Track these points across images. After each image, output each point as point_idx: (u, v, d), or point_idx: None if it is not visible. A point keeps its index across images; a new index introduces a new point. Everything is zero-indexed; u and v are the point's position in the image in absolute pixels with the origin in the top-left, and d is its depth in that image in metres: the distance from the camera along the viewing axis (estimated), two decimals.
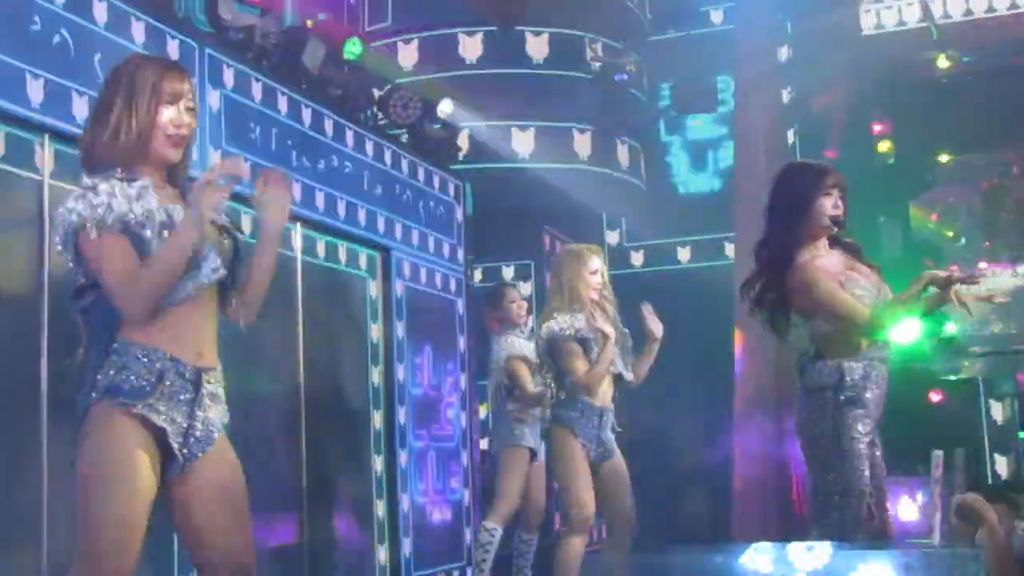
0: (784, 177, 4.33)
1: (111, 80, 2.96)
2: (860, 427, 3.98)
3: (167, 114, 2.92)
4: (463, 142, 8.30)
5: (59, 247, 2.88)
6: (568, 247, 5.86)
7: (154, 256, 2.80)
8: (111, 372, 2.79)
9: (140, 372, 2.80)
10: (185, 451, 2.87)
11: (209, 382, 2.94)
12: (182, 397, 2.86)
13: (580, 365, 5.36)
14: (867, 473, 3.98)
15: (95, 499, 2.76)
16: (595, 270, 5.52)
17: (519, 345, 6.48)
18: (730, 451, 8.38)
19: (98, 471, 2.77)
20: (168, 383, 2.83)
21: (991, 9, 8.87)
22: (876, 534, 4.01)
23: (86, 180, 2.88)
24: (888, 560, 3.72)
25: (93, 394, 2.79)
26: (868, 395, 4.00)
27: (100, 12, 4.57)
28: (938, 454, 6.08)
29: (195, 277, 2.86)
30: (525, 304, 6.78)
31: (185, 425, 2.86)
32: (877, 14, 9.11)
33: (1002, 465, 8.22)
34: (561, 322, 5.39)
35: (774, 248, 4.21)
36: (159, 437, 2.83)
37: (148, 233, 2.82)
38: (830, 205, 4.15)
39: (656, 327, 5.54)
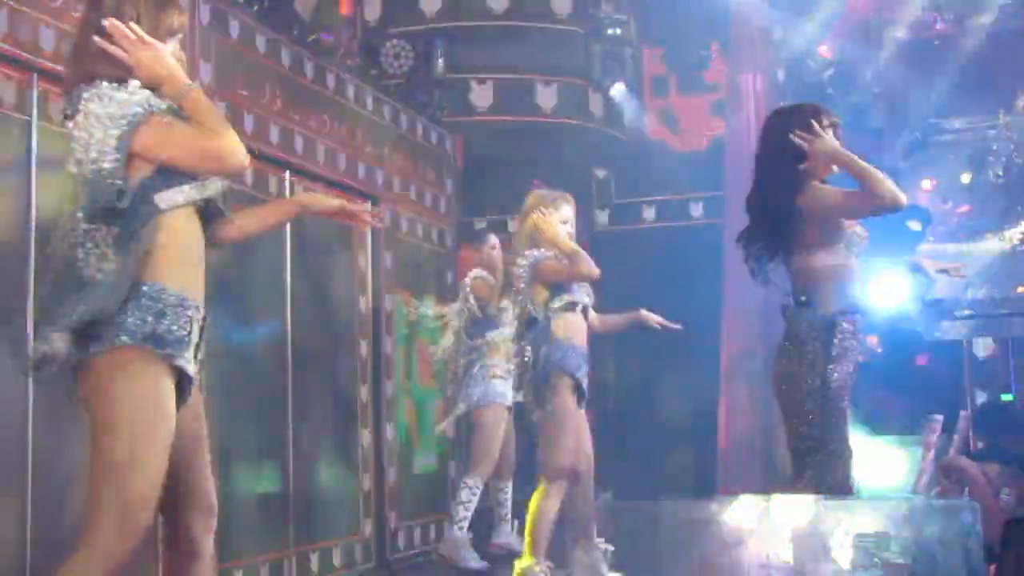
0: (776, 121, 4.20)
1: (107, 3, 2.86)
2: (845, 382, 3.94)
3: (168, 48, 2.88)
4: (457, 94, 8.19)
5: (104, 152, 2.74)
6: (539, 191, 5.73)
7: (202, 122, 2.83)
8: (148, 318, 2.73)
9: (180, 322, 2.78)
10: (195, 394, 2.90)
11: (204, 328, 2.93)
12: (195, 342, 2.87)
13: (565, 265, 5.22)
14: (847, 429, 3.96)
15: (131, 448, 2.70)
16: (565, 219, 5.42)
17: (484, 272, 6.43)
18: (716, 407, 8.41)
19: (142, 415, 2.72)
20: (194, 332, 2.84)
21: None
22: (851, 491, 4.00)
23: (96, 88, 2.78)
24: (877, 511, 3.71)
25: (123, 336, 2.71)
26: (857, 352, 3.98)
27: None
28: (937, 418, 6.12)
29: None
30: (500, 254, 6.67)
31: (196, 371, 2.88)
32: None
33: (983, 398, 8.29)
34: (534, 252, 5.30)
35: (771, 196, 4.11)
36: (183, 385, 2.84)
37: None
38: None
39: (654, 322, 5.52)
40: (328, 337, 6.29)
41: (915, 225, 9.19)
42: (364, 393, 6.55)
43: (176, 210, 2.82)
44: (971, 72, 8.99)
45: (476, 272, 6.51)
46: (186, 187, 2.83)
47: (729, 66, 8.80)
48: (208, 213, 2.97)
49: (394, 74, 6.96)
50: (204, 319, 2.90)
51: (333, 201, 3.34)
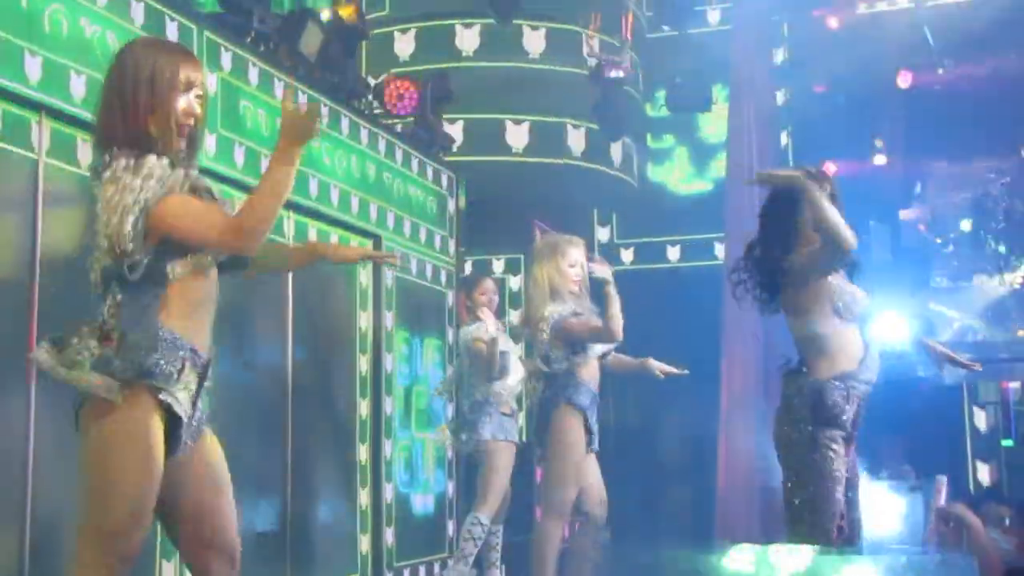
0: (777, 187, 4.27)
1: (127, 62, 2.90)
2: (835, 447, 3.97)
3: (180, 103, 2.90)
4: (459, 134, 8.29)
5: (113, 230, 2.79)
6: (546, 238, 5.81)
7: (255, 193, 2.87)
8: (141, 354, 2.79)
9: (169, 358, 2.82)
10: (187, 440, 2.91)
11: (209, 376, 2.96)
12: (191, 388, 2.89)
13: (595, 321, 5.34)
14: (839, 491, 3.98)
15: (116, 474, 2.76)
16: (573, 263, 5.50)
17: (482, 329, 6.40)
18: (715, 450, 8.40)
19: (120, 447, 2.77)
20: (185, 373, 2.86)
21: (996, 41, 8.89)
22: (843, 544, 4.01)
23: (111, 159, 2.83)
24: (874, 565, 3.71)
25: (127, 373, 2.77)
26: (845, 416, 3.98)
27: None
28: (942, 479, 6.13)
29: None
30: (496, 299, 6.68)
31: (190, 414, 2.88)
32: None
33: (984, 473, 8.28)
34: (555, 309, 5.38)
35: (766, 252, 4.19)
36: (168, 423, 2.85)
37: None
38: (812, 214, 4.03)
39: (604, 271, 5.49)
40: (329, 397, 6.29)
41: None
42: (364, 409, 6.53)
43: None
44: (972, 117, 9.05)
45: (471, 330, 6.46)
46: (191, 256, 2.88)
47: (730, 106, 8.86)
48: (228, 262, 3.02)
49: (397, 114, 6.99)
50: (207, 366, 2.93)
51: (354, 251, 3.54)
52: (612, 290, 5.30)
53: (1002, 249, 9.90)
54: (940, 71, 8.83)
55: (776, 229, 4.17)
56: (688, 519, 8.96)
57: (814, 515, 3.96)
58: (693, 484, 8.91)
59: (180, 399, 2.84)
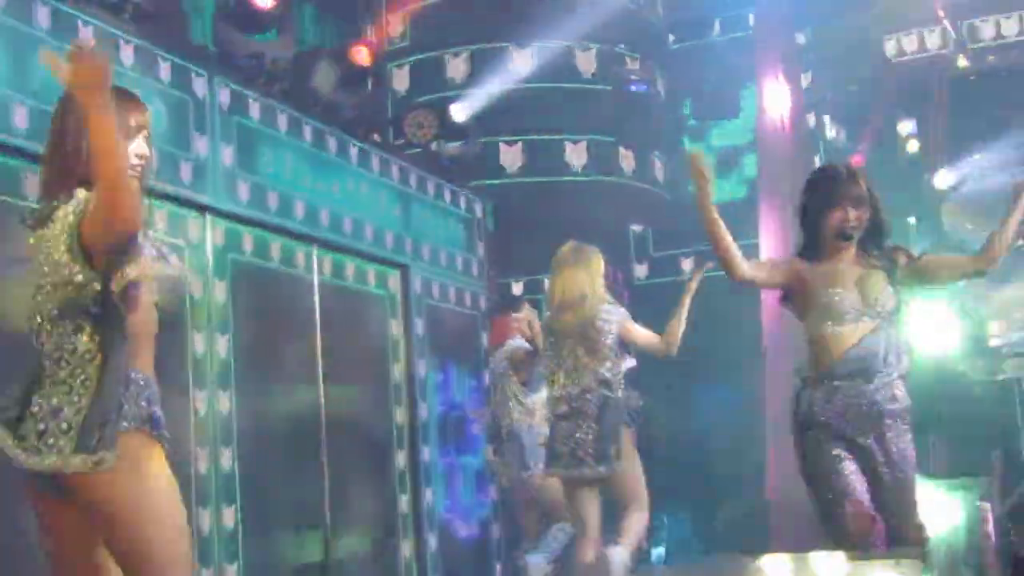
0: (806, 184, 4.32)
1: (70, 108, 2.86)
2: (820, 449, 3.96)
3: (131, 146, 2.93)
4: (486, 157, 8.28)
5: (66, 256, 2.76)
6: (579, 245, 5.76)
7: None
8: (142, 403, 2.81)
9: (159, 407, 2.87)
10: None
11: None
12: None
13: (653, 336, 5.40)
14: (841, 485, 3.94)
15: (161, 524, 2.80)
16: (599, 270, 5.55)
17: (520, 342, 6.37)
18: (764, 460, 8.33)
19: (158, 497, 2.81)
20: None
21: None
22: (875, 542, 3.94)
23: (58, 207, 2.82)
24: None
25: (124, 423, 2.76)
26: (824, 418, 3.98)
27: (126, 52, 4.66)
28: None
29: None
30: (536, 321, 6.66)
31: None
32: (898, 41, 9.07)
33: None
34: (614, 309, 5.40)
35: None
36: None
37: None
38: (838, 219, 4.09)
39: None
40: (363, 405, 6.34)
41: None
42: (401, 459, 6.56)
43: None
44: (1005, 108, 8.92)
45: (512, 343, 6.46)
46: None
47: (758, 108, 8.81)
48: None
49: (418, 143, 7.05)
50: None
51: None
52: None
53: None
54: (965, 62, 8.73)
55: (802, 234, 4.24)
56: (741, 530, 8.86)
57: (826, 516, 3.99)
58: (744, 494, 8.82)
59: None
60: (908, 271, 4.13)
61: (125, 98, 2.99)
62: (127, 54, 4.70)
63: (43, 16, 4.36)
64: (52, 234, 2.80)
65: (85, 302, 2.77)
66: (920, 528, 4.14)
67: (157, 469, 2.82)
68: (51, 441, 2.69)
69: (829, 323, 4.04)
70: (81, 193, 2.80)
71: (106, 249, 2.75)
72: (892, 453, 4.03)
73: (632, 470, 5.37)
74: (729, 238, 4.09)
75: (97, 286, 2.77)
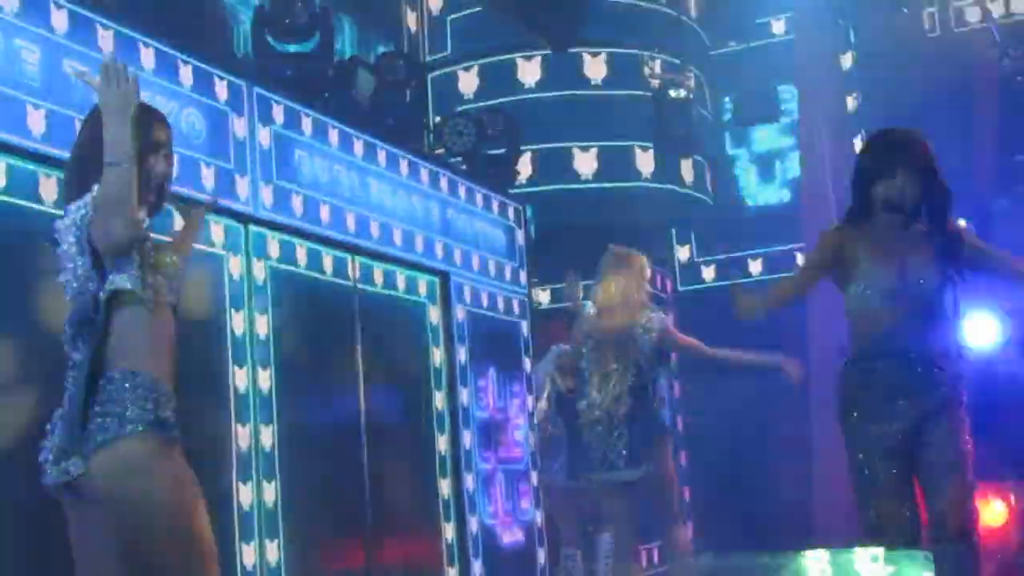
0: (864, 145, 4.23)
1: (99, 125, 2.98)
2: (859, 432, 3.85)
3: (151, 161, 3.04)
4: (526, 165, 8.35)
5: (75, 258, 2.91)
6: (619, 251, 5.76)
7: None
8: (148, 406, 2.86)
9: (170, 410, 2.94)
10: None
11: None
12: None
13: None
14: (876, 478, 3.81)
15: (171, 529, 2.86)
16: (645, 273, 5.57)
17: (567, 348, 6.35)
18: (809, 457, 8.30)
19: (167, 502, 2.86)
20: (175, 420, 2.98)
21: None
22: (913, 534, 3.84)
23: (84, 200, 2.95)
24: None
25: (130, 427, 2.83)
26: (866, 397, 3.84)
27: (148, 58, 4.73)
28: None
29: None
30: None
31: None
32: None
33: None
34: (655, 315, 5.48)
35: None
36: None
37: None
38: (888, 187, 3.86)
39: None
40: (405, 432, 6.37)
41: None
42: (445, 487, 6.59)
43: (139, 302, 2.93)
44: None
45: (557, 348, 6.48)
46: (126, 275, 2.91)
47: (800, 115, 8.78)
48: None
49: (459, 151, 7.09)
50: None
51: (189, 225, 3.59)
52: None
53: None
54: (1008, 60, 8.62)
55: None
56: (787, 526, 8.81)
57: (861, 504, 3.87)
58: (788, 490, 8.78)
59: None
60: (964, 255, 3.85)
61: (149, 115, 3.08)
62: (150, 59, 4.75)
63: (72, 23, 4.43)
64: (64, 225, 2.90)
65: (87, 309, 2.87)
66: (967, 516, 3.83)
67: (166, 472, 2.86)
68: (60, 453, 2.83)
69: (869, 297, 3.86)
70: (95, 189, 2.89)
71: (104, 248, 2.87)
72: (938, 436, 3.80)
73: (666, 476, 5.34)
74: (779, 293, 4.15)
75: (92, 285, 2.86)
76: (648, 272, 5.61)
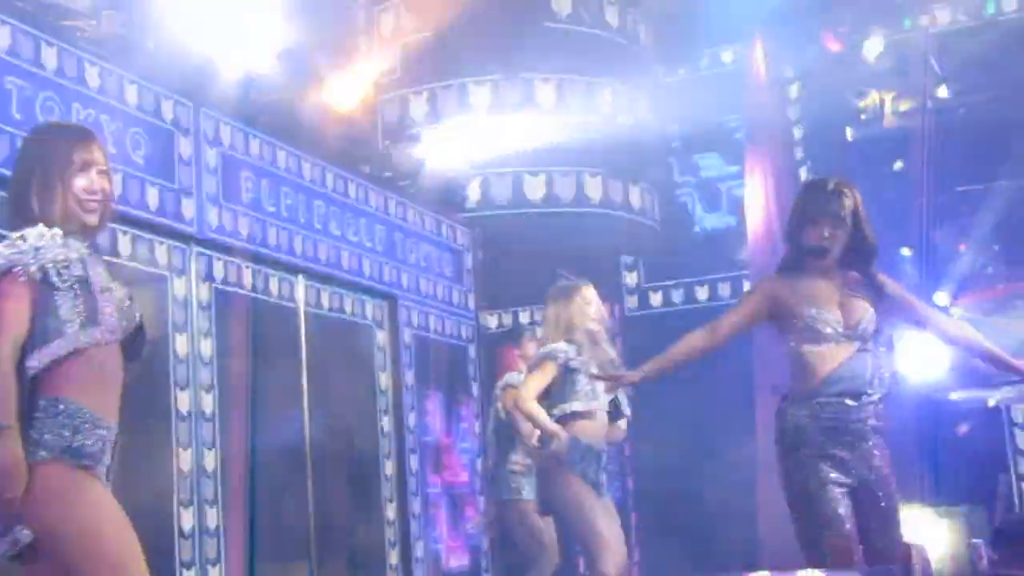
0: (795, 196, 4.31)
1: (24, 151, 3.08)
2: (808, 468, 3.91)
3: (80, 182, 3.02)
4: (474, 190, 8.36)
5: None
6: (560, 283, 5.79)
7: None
8: (65, 433, 2.86)
9: (93, 439, 2.91)
10: None
11: (116, 441, 3.03)
12: (107, 464, 2.97)
13: (532, 386, 5.16)
14: (828, 512, 3.89)
15: (86, 556, 2.81)
16: (589, 301, 5.45)
17: (516, 377, 6.33)
18: (755, 491, 8.31)
19: (82, 528, 2.83)
20: (107, 452, 2.95)
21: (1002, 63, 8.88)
22: (857, 566, 3.93)
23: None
24: None
25: (42, 452, 2.83)
26: (812, 436, 3.92)
27: (92, 76, 4.70)
28: (978, 543, 6.05)
29: (90, 333, 2.93)
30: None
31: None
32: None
33: None
34: (553, 347, 5.24)
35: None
36: None
37: (59, 281, 2.90)
38: (814, 235, 4.04)
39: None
40: (350, 456, 6.34)
41: None
42: (391, 511, 6.56)
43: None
44: (991, 137, 8.97)
45: (506, 379, 6.47)
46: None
47: (746, 144, 8.87)
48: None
49: (407, 174, 7.10)
50: (116, 442, 2.99)
51: None
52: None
53: None
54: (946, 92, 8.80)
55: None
56: (734, 556, 8.84)
57: (809, 538, 3.92)
58: (736, 522, 8.81)
59: (102, 474, 2.93)
60: (887, 303, 4.07)
61: (71, 136, 3.07)
62: (102, 81, 4.74)
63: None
64: None
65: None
66: (905, 546, 4.09)
67: (81, 499, 2.84)
68: None
69: (812, 342, 3.98)
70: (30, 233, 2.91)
71: None
72: (876, 471, 3.98)
73: (576, 514, 5.24)
74: (684, 345, 4.10)
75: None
76: (592, 302, 5.51)
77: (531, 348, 6.51)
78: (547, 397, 5.19)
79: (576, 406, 5.16)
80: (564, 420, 5.15)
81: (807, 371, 3.98)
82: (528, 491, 6.33)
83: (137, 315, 3.07)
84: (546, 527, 6.43)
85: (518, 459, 6.34)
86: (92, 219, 3.04)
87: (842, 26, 8.98)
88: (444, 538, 6.99)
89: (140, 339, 3.10)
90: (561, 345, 5.24)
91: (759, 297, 4.15)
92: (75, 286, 2.93)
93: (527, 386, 5.19)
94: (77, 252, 2.97)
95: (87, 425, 2.89)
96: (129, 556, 2.86)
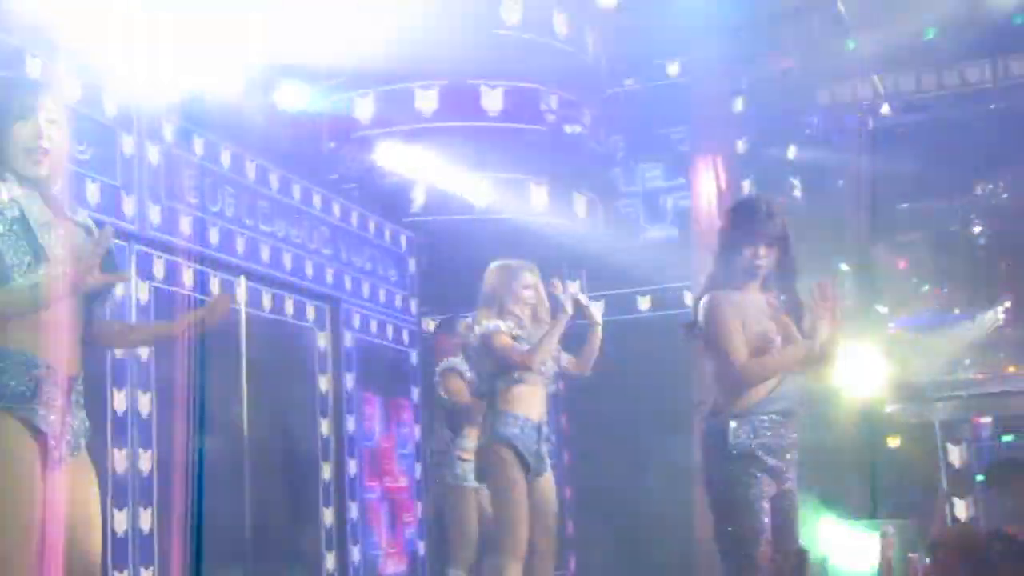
0: (727, 214, 4.39)
1: None
2: (748, 480, 3.98)
3: (23, 130, 2.93)
4: (419, 195, 8.34)
5: None
6: (499, 262, 5.73)
7: None
8: None
9: (20, 378, 2.86)
10: (57, 454, 2.92)
11: (76, 390, 3.00)
12: (55, 404, 2.90)
13: (516, 348, 5.15)
14: (762, 522, 3.97)
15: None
16: (528, 285, 5.42)
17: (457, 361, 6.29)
18: (692, 501, 8.34)
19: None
20: (46, 390, 2.88)
21: (940, 86, 9.03)
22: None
23: None
24: None
25: None
26: (755, 448, 3.99)
27: (33, 67, 4.63)
28: (889, 530, 6.17)
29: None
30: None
31: (58, 430, 2.90)
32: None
33: (961, 509, 8.21)
34: (490, 324, 5.23)
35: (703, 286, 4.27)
36: (37, 439, 2.88)
37: None
38: (749, 255, 4.11)
39: (595, 312, 5.49)
40: (288, 459, 6.29)
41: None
42: (328, 516, 6.50)
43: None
44: (930, 157, 9.12)
45: (447, 363, 6.42)
46: None
47: (691, 150, 8.94)
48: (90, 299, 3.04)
49: (352, 177, 7.07)
50: (73, 380, 2.97)
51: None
52: (594, 332, 5.41)
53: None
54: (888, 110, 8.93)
55: (713, 266, 4.29)
56: (671, 570, 8.88)
57: (739, 549, 3.99)
58: (671, 538, 8.84)
59: (41, 414, 2.87)
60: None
61: (9, 83, 3.07)
62: (36, 71, 4.66)
63: None
64: None
65: None
66: (803, 553, 4.23)
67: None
68: None
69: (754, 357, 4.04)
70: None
71: None
72: (791, 483, 4.11)
73: (499, 494, 5.22)
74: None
75: None
76: (530, 286, 5.47)
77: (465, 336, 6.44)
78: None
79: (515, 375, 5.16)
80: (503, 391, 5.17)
81: (747, 388, 4.04)
82: (472, 479, 6.29)
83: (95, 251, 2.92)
84: (480, 518, 6.37)
85: (465, 447, 6.27)
86: (38, 169, 2.96)
87: (789, 43, 9.09)
88: (382, 543, 6.95)
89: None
90: (495, 321, 5.22)
91: (733, 315, 4.12)
92: (13, 227, 2.87)
93: (515, 348, 5.15)
94: (8, 193, 2.90)
95: (15, 365, 2.84)
96: (12, 524, 2.80)
